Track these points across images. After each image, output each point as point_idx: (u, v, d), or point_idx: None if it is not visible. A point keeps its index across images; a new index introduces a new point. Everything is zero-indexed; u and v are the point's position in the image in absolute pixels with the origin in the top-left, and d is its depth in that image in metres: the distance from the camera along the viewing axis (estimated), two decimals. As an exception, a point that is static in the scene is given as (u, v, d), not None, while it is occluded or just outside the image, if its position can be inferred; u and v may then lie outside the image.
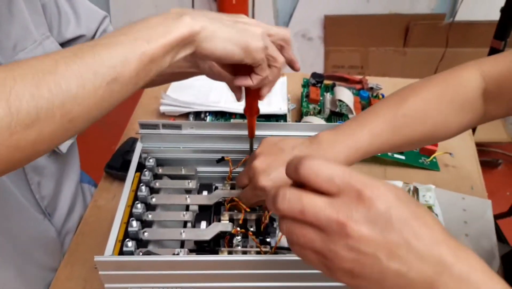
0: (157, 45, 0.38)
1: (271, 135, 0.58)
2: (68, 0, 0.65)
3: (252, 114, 0.56)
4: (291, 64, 0.54)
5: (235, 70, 0.51)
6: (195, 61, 0.56)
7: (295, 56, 0.54)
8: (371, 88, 1.01)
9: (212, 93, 0.96)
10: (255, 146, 0.60)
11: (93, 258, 0.44)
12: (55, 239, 0.68)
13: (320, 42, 2.03)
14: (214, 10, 1.95)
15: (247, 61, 0.45)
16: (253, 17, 1.96)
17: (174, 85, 0.98)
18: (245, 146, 0.61)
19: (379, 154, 0.83)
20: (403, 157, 0.85)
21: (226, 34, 0.42)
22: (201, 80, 1.00)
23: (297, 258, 0.34)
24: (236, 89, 0.54)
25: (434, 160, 0.86)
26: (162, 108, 0.91)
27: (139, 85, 0.39)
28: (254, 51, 0.44)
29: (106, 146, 0.78)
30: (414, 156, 0.86)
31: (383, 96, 0.98)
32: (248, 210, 0.55)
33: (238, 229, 0.53)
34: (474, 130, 1.31)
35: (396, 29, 1.87)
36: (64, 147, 0.66)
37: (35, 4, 0.59)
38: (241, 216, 0.56)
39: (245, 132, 0.59)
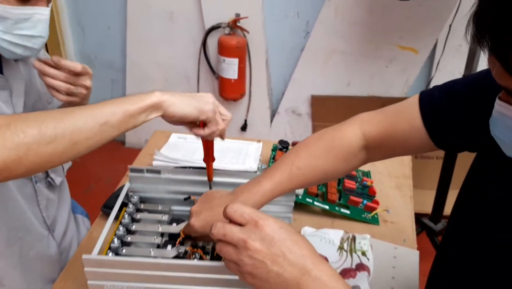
0: (136, 107, 0.60)
1: (228, 181, 0.77)
2: None
3: (208, 162, 0.75)
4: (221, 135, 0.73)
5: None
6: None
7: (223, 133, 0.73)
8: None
9: (197, 153, 1.16)
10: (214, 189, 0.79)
11: (84, 275, 0.61)
12: (56, 254, 0.85)
13: (308, 118, 2.27)
14: (216, 88, 2.24)
15: (202, 118, 0.67)
16: (250, 95, 2.24)
17: (167, 145, 1.19)
18: (207, 189, 0.79)
19: (327, 208, 1.01)
20: (348, 212, 1.01)
21: (185, 102, 0.64)
22: (189, 143, 1.22)
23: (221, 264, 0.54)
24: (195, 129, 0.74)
25: (375, 215, 1.02)
26: (155, 163, 1.11)
27: (121, 131, 0.60)
28: (206, 111, 0.66)
29: (109, 191, 0.98)
30: (358, 211, 1.02)
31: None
32: (183, 236, 0.73)
33: (194, 249, 0.71)
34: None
35: (373, 109, 2.11)
36: (57, 181, 0.86)
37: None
38: (201, 244, 0.73)
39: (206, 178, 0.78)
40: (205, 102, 0.67)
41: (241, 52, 2.07)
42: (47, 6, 0.69)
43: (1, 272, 0.77)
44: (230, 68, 2.08)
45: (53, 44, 2.34)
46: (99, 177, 2.26)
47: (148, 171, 0.79)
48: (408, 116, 0.66)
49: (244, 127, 2.33)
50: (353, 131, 0.71)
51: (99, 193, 1.03)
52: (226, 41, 2.04)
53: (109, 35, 2.35)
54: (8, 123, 0.52)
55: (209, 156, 0.75)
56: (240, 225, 0.51)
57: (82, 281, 0.67)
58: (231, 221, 0.52)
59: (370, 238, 0.92)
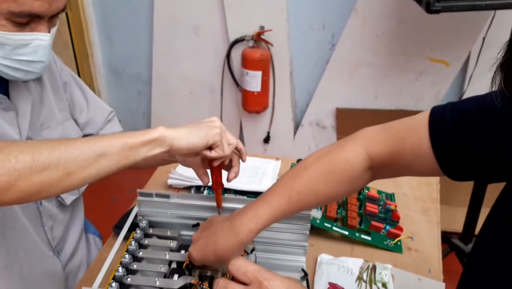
0: (136, 140, 0.58)
1: (238, 207, 0.74)
2: (83, 95, 0.88)
3: (217, 189, 0.73)
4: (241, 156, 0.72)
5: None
6: (173, 156, 0.75)
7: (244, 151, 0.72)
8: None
9: (213, 172, 1.14)
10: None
11: None
12: (60, 274, 0.84)
13: (333, 131, 2.21)
14: (239, 100, 2.22)
15: (210, 143, 0.64)
16: (273, 107, 2.21)
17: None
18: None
19: (347, 234, 0.95)
20: (369, 238, 0.96)
21: (190, 134, 0.62)
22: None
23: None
24: (202, 175, 0.72)
25: (398, 242, 0.96)
26: (170, 182, 1.09)
27: (121, 164, 0.58)
28: (213, 135, 0.64)
29: (124, 209, 0.97)
30: (380, 238, 0.97)
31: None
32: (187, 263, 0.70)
33: (201, 281, 0.67)
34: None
35: (402, 124, 2.03)
36: (68, 200, 0.85)
37: (61, 95, 0.83)
38: (209, 273, 0.70)
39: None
40: (211, 128, 0.64)
41: (265, 65, 2.04)
42: (49, 31, 0.67)
43: None
44: (253, 81, 2.06)
45: (82, 56, 2.40)
46: (122, 187, 2.28)
47: (157, 195, 0.77)
48: (416, 137, 0.61)
49: (266, 140, 2.30)
50: (356, 151, 0.65)
51: (123, 203, 1.04)
52: (249, 54, 2.02)
53: (137, 48, 2.39)
54: (1, 148, 0.51)
55: (217, 182, 0.72)
56: (244, 284, 0.49)
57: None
58: (234, 279, 0.50)
59: (391, 268, 0.87)
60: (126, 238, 0.91)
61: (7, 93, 0.73)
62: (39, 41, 0.66)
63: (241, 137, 2.34)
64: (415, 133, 0.61)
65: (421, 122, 0.61)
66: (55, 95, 0.82)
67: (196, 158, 0.73)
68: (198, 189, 1.08)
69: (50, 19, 0.67)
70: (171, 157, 0.77)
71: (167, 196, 0.77)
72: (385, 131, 0.65)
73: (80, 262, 0.92)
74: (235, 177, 0.72)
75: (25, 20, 0.63)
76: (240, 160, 0.73)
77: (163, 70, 2.36)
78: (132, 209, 0.98)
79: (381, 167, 0.65)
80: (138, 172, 0.98)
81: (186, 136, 0.61)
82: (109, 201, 2.24)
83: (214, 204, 0.76)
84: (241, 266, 0.50)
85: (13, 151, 0.51)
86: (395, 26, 1.90)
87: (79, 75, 1.88)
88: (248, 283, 0.49)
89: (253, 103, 2.13)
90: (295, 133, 2.28)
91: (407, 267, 0.90)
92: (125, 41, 2.39)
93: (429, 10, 1.27)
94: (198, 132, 0.63)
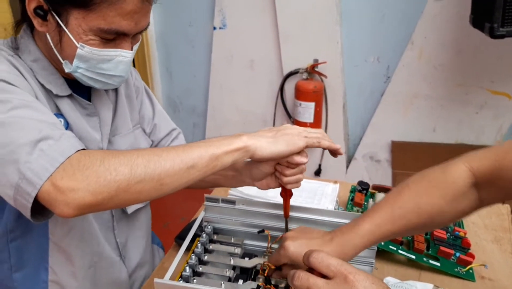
0: (222, 150, 0.61)
1: (304, 217, 0.73)
2: (151, 105, 0.93)
3: (286, 197, 0.72)
4: (333, 151, 0.72)
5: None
6: (246, 170, 0.77)
7: (335, 145, 0.72)
8: (416, 201, 1.11)
9: (270, 192, 1.14)
10: (290, 226, 0.75)
11: None
12: (126, 280, 0.85)
13: (388, 165, 2.16)
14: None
15: (294, 150, 0.66)
16: (325, 138, 2.20)
17: (242, 182, 1.19)
18: (282, 224, 0.76)
19: (413, 258, 0.90)
20: (438, 264, 0.90)
21: (272, 143, 0.65)
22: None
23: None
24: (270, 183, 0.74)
25: (470, 270, 0.89)
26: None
27: (207, 173, 0.61)
28: (297, 141, 0.66)
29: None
30: (450, 264, 0.90)
31: (425, 208, 1.06)
32: (273, 267, 0.68)
33: (267, 286, 0.66)
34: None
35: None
36: (130, 209, 0.87)
37: (133, 104, 0.88)
38: (273, 281, 0.69)
39: (282, 212, 0.74)
40: (291, 133, 0.66)
41: (318, 97, 2.06)
42: (131, 49, 0.72)
43: None
44: (306, 112, 2.08)
45: (144, 89, 2.55)
46: (175, 215, 2.32)
47: (223, 200, 0.78)
48: None
49: (318, 172, 2.27)
50: (458, 168, 0.64)
51: (175, 229, 1.06)
52: (303, 86, 2.06)
53: (194, 82, 2.51)
54: (102, 159, 0.55)
55: (287, 190, 0.72)
56: (325, 277, 0.47)
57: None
58: (315, 272, 0.48)
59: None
60: (188, 249, 0.92)
61: (89, 99, 0.79)
62: (122, 57, 0.70)
63: (292, 169, 2.33)
64: None
65: None
66: (129, 104, 0.87)
67: (266, 168, 0.73)
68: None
69: (134, 36, 0.72)
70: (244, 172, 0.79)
71: (233, 202, 0.78)
72: (487, 151, 0.64)
73: (146, 272, 0.93)
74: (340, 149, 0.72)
75: (112, 37, 0.68)
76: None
77: (218, 103, 2.45)
78: (194, 220, 1.00)
79: (486, 184, 0.62)
80: (190, 202, 1.00)
81: (267, 146, 0.64)
82: (161, 227, 2.28)
83: (281, 212, 0.75)
84: (323, 259, 0.47)
85: (113, 163, 0.55)
86: (453, 57, 1.87)
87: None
88: (331, 276, 0.46)
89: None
90: (347, 167, 2.25)
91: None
92: (184, 75, 2.53)
93: (493, 35, 1.25)
94: (279, 141, 0.65)
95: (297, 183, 0.72)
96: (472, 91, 1.90)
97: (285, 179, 0.71)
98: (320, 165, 2.27)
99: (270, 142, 0.65)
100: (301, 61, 2.10)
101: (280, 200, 0.75)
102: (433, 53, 1.89)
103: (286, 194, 0.72)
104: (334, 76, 2.07)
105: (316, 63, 2.05)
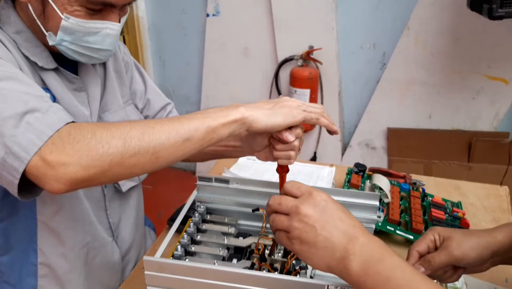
0: (219, 122, 0.59)
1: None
2: (143, 80, 0.90)
3: (282, 172, 0.70)
4: (329, 129, 0.69)
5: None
6: (247, 141, 0.76)
7: (332, 122, 0.69)
8: (414, 183, 1.09)
9: (267, 174, 1.12)
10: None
11: (145, 287, 0.57)
12: (119, 261, 0.82)
13: (384, 152, 2.14)
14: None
15: (290, 123, 0.63)
16: (320, 128, 2.18)
17: (236, 166, 1.17)
18: (278, 203, 0.73)
19: (411, 238, 0.88)
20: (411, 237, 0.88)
21: (270, 115, 0.62)
22: (258, 164, 1.18)
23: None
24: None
25: (469, 250, 0.88)
26: (223, 182, 1.08)
27: (204, 146, 0.59)
28: (295, 114, 0.63)
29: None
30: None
31: (423, 190, 1.05)
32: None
33: (262, 263, 0.64)
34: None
35: (458, 145, 1.93)
36: (124, 187, 0.84)
37: (123, 79, 0.85)
38: (268, 261, 0.66)
39: (278, 191, 0.72)
40: (289, 106, 0.63)
41: (313, 83, 2.04)
42: (119, 21, 0.68)
43: (65, 276, 0.76)
44: (301, 99, 2.03)
45: (136, 78, 2.51)
46: (168, 205, 2.29)
47: (217, 180, 0.75)
48: None
49: (313, 160, 2.26)
50: None
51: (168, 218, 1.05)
52: (298, 72, 2.03)
53: (187, 70, 2.47)
54: (93, 132, 0.52)
55: (282, 166, 0.69)
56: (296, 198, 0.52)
57: (142, 292, 0.63)
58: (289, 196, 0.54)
59: (464, 275, 0.79)
60: (180, 231, 0.89)
61: (76, 75, 0.75)
62: (109, 30, 0.67)
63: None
64: None
65: None
66: (118, 79, 0.83)
67: (263, 140, 0.70)
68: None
69: (121, 7, 0.69)
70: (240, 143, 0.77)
71: (227, 181, 0.75)
72: None
73: (138, 255, 0.90)
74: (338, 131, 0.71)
75: (98, 7, 0.65)
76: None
77: (212, 91, 2.41)
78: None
79: None
80: (185, 192, 0.97)
81: (264, 118, 0.61)
82: (155, 216, 2.25)
83: (277, 190, 0.73)
84: (295, 183, 0.54)
85: (105, 136, 0.52)
86: (450, 43, 1.85)
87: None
88: (299, 195, 0.52)
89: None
90: (342, 154, 2.23)
91: (481, 276, 0.81)
92: (177, 64, 2.49)
93: (492, 16, 1.23)
94: (277, 113, 0.62)
95: (288, 159, 0.68)
96: (469, 77, 1.88)
97: (276, 154, 0.68)
98: (315, 153, 2.25)
99: (267, 115, 0.62)
100: (296, 48, 2.07)
101: (275, 179, 0.72)
102: (429, 39, 1.87)
103: (282, 170, 0.70)
104: (330, 63, 2.05)
105: (311, 50, 2.02)
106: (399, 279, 0.44)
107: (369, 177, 1.07)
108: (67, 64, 0.73)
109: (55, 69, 0.71)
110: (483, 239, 0.63)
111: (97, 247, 0.80)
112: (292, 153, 0.68)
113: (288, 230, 0.50)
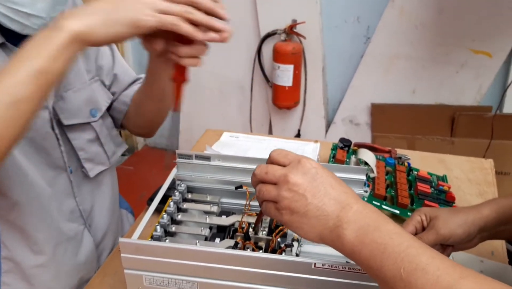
0: (46, 57, 0.47)
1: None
2: (111, 54, 0.82)
3: (181, 81, 0.58)
4: (194, 37, 0.54)
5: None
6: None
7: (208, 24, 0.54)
8: (399, 157, 1.08)
9: (250, 151, 1.08)
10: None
11: (123, 271, 0.54)
12: (92, 250, 0.78)
13: (367, 128, 2.13)
14: (269, 96, 2.17)
15: (139, 32, 0.50)
16: (304, 103, 2.14)
17: (218, 143, 1.13)
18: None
19: (397, 212, 0.87)
20: (397, 211, 0.87)
21: (106, 21, 0.49)
22: (241, 141, 1.15)
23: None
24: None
25: (455, 224, 0.87)
26: (205, 160, 1.04)
27: (44, 95, 0.48)
28: (142, 18, 0.49)
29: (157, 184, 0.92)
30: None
31: (409, 164, 1.03)
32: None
33: (246, 242, 0.61)
34: None
35: (442, 119, 1.93)
36: (92, 172, 0.78)
37: (88, 54, 0.77)
38: (252, 240, 0.63)
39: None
40: (137, 10, 0.49)
41: (297, 59, 1.99)
42: None
43: (31, 271, 0.72)
44: (284, 75, 2.01)
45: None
46: (150, 186, 2.25)
47: (197, 156, 0.72)
48: None
49: (297, 137, 2.23)
50: None
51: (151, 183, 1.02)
52: (281, 47, 1.98)
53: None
54: None
55: (181, 73, 0.57)
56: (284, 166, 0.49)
57: (121, 277, 0.59)
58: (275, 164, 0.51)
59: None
60: (159, 211, 0.85)
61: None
62: None
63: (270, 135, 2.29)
64: None
65: None
66: (82, 54, 0.76)
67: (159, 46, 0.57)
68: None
69: None
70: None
71: (208, 158, 0.71)
72: None
73: (114, 241, 0.86)
74: (227, 31, 0.56)
75: None
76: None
77: (192, 69, 2.33)
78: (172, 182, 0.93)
79: None
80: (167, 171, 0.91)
81: (102, 28, 0.48)
82: (137, 198, 2.21)
83: (259, 166, 0.70)
84: (282, 151, 0.50)
85: None
86: (434, 16, 1.82)
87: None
88: (287, 163, 0.49)
89: (284, 98, 2.08)
90: (326, 130, 2.21)
91: (468, 250, 0.81)
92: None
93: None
94: (119, 19, 0.49)
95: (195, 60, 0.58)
96: (453, 50, 1.86)
97: (182, 61, 0.57)
98: (299, 130, 2.23)
99: (103, 22, 0.48)
100: (279, 22, 2.01)
101: (260, 155, 0.69)
102: (414, 11, 1.83)
103: (180, 77, 0.58)
104: (313, 38, 2.00)
105: (294, 23, 1.97)
106: (397, 246, 0.41)
107: (354, 152, 1.05)
108: (16, 40, 0.62)
109: (1, 45, 0.63)
110: (469, 215, 0.62)
111: (67, 238, 0.75)
112: (203, 55, 0.57)
113: (276, 200, 0.47)
